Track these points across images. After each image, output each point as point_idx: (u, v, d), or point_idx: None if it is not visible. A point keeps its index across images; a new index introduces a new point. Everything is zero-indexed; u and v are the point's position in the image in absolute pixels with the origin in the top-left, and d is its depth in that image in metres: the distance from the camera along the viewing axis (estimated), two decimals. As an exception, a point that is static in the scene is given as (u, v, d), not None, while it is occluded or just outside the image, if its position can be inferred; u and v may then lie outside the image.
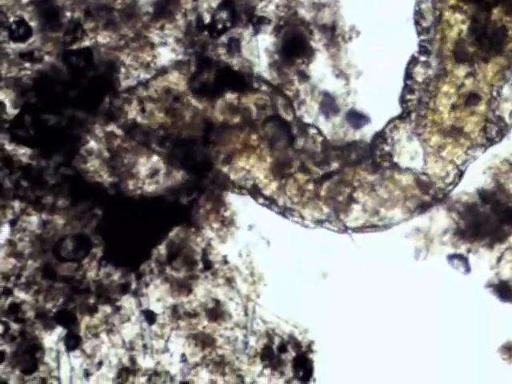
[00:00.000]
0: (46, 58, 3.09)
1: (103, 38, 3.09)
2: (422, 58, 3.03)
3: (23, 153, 3.10)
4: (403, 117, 3.09)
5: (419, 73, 3.06)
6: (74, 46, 3.08)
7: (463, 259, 3.15)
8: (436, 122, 3.06)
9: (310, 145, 3.08)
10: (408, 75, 3.06)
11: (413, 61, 3.04)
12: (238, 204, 3.14)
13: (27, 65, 3.09)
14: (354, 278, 3.11)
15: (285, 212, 3.09)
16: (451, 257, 3.15)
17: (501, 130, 3.03)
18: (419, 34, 3.04)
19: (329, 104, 3.13)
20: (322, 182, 3.08)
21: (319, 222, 3.09)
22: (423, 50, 3.04)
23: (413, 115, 3.07)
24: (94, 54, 3.07)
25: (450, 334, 3.12)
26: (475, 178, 3.11)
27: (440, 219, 3.12)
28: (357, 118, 3.13)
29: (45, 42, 3.09)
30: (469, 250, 3.14)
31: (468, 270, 3.15)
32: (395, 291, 3.09)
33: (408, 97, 3.07)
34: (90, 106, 3.09)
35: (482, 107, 3.01)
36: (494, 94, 3.00)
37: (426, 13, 3.04)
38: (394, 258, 3.11)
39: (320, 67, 3.14)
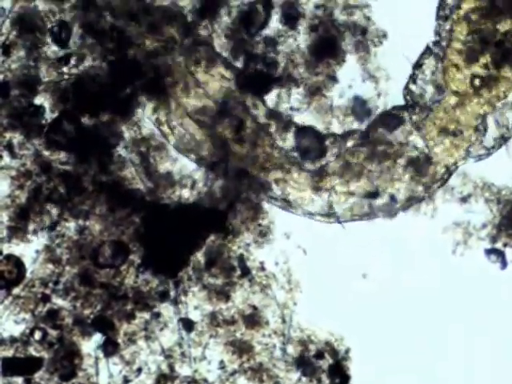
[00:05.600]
0: (87, 63, 3.07)
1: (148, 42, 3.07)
2: (436, 50, 3.04)
3: (61, 158, 3.08)
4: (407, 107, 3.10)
5: (429, 65, 3.07)
6: (118, 54, 3.06)
7: (500, 254, 3.19)
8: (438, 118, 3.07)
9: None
10: (417, 65, 3.07)
11: (427, 51, 3.05)
12: (275, 212, 3.15)
13: (66, 69, 3.07)
14: (390, 281, 3.14)
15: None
16: (488, 251, 3.18)
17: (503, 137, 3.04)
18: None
19: (360, 108, 3.14)
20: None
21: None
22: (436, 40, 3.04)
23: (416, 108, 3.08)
24: (141, 61, 3.06)
25: (486, 329, 3.15)
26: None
27: (478, 213, 3.16)
28: (390, 120, 3.14)
29: (86, 48, 3.07)
30: (505, 245, 3.18)
31: (505, 264, 3.19)
32: (432, 292, 3.13)
33: (411, 87, 3.08)
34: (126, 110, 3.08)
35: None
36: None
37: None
38: (432, 254, 3.14)
39: (348, 71, 3.15)
